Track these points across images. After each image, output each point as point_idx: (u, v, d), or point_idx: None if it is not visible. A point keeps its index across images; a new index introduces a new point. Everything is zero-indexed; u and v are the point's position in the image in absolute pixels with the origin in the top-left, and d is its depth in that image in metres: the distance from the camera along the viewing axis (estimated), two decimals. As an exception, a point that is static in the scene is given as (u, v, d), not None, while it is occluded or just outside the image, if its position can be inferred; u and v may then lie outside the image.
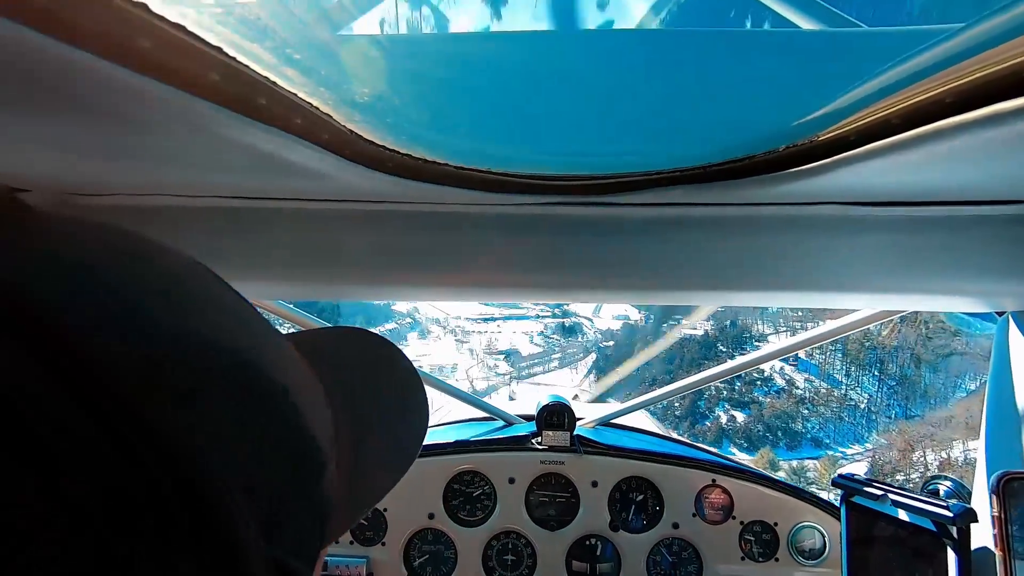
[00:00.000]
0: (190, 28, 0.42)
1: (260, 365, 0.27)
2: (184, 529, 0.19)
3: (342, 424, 0.36)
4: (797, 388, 50.65)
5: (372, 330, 0.52)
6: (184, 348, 0.23)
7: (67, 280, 0.22)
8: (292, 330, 1.01)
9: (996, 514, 0.87)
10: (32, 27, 0.35)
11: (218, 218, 0.93)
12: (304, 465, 0.28)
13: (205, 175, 0.78)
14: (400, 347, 0.51)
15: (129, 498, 0.18)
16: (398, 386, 0.49)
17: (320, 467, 0.30)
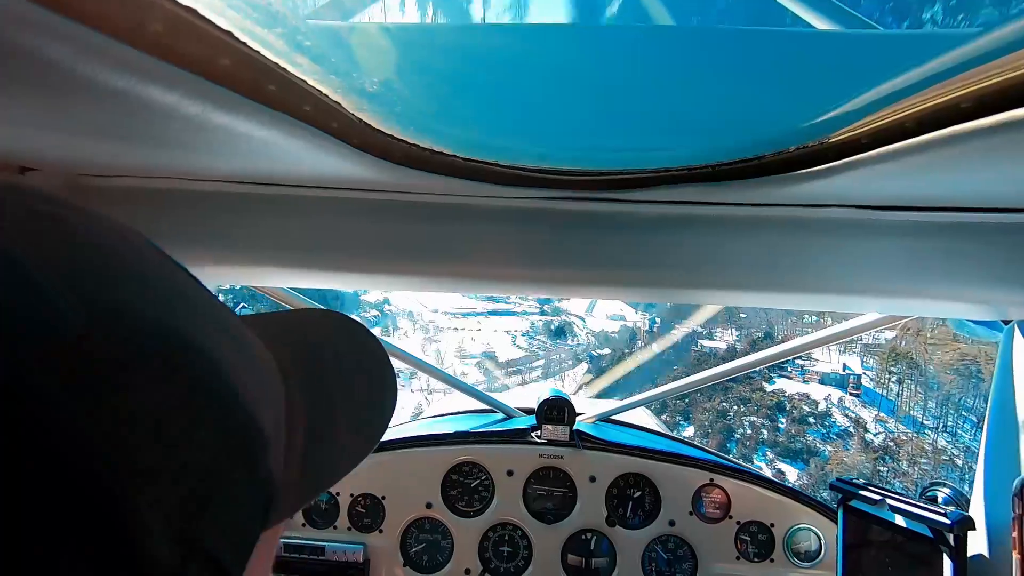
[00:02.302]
0: (201, 12, 0.42)
1: (188, 340, 0.26)
2: (73, 510, 0.18)
3: (298, 403, 0.35)
4: (867, 431, 36.83)
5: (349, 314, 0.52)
6: (93, 318, 0.22)
7: None
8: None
9: (1018, 515, 0.87)
10: (43, 5, 0.35)
11: (225, 202, 0.94)
12: (239, 445, 0.27)
13: (213, 159, 0.79)
14: (372, 331, 0.51)
15: (13, 477, 0.17)
16: (367, 369, 0.48)
17: (258, 447, 0.28)
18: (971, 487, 1.09)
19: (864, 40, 0.89)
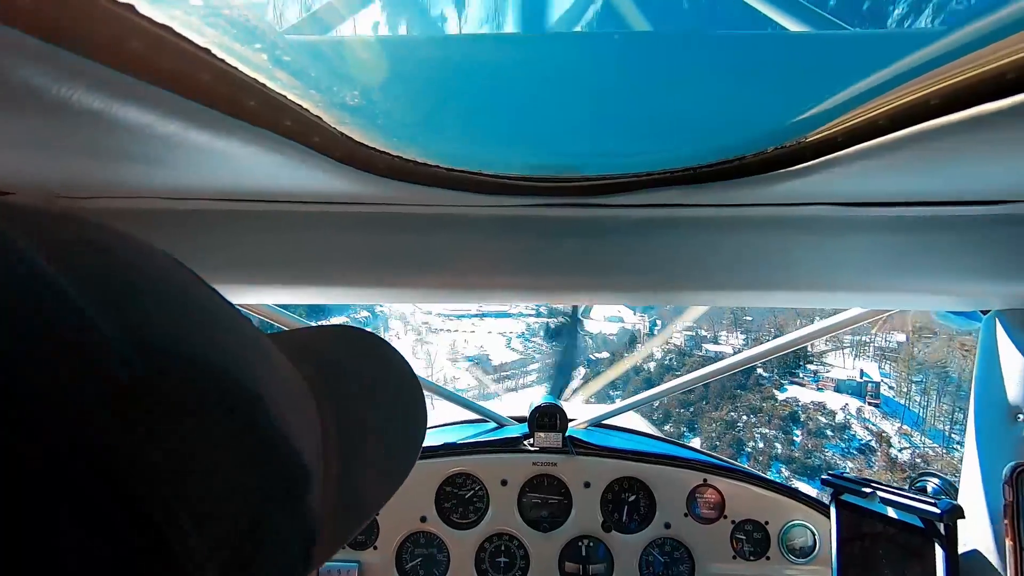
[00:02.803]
0: (178, 29, 0.42)
1: (236, 378, 0.25)
2: (129, 565, 0.18)
3: (332, 431, 0.33)
4: (891, 445, 34.22)
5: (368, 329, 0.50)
6: (134, 353, 0.20)
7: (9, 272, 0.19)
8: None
9: (1009, 501, 0.88)
10: (17, 27, 0.34)
11: (207, 220, 0.93)
12: (283, 483, 0.26)
13: (194, 177, 0.78)
14: (394, 344, 0.49)
15: (71, 521, 0.17)
16: (394, 387, 0.46)
17: (303, 483, 0.27)
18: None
19: (836, 41, 0.91)
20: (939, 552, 0.98)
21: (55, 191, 0.87)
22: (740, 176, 0.76)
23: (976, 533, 1.03)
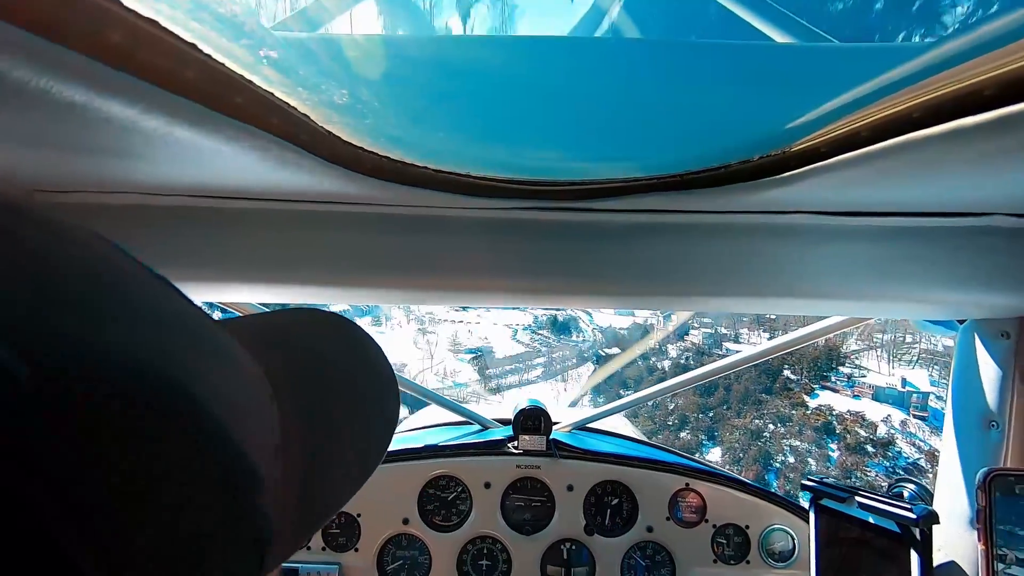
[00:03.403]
0: (163, 23, 0.41)
1: (171, 380, 0.22)
2: None
3: (293, 425, 0.31)
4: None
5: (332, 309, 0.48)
6: (34, 350, 0.18)
7: None
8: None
9: (982, 506, 0.90)
10: None
11: (190, 217, 0.91)
12: (227, 492, 0.23)
13: (177, 173, 0.77)
14: (382, 339, 0.46)
15: None
16: (363, 375, 0.43)
17: (251, 489, 0.25)
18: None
19: (821, 53, 0.93)
20: (914, 557, 1.00)
21: (32, 184, 0.85)
22: (725, 183, 0.77)
23: (951, 538, 1.05)
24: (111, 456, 0.19)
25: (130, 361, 0.21)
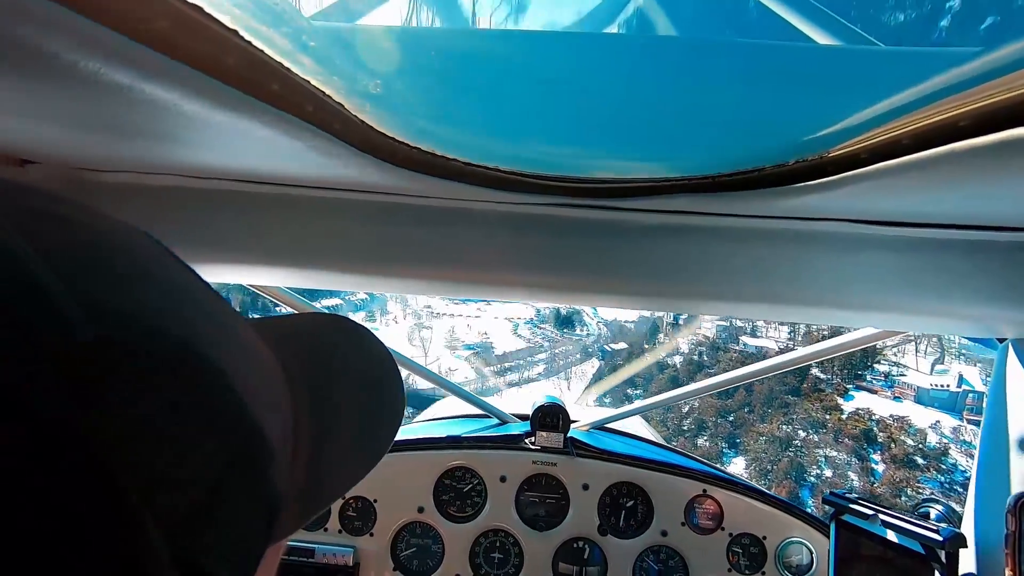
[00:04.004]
0: (207, 10, 0.42)
1: (196, 348, 0.25)
2: (78, 520, 0.18)
3: (304, 412, 0.34)
4: None
5: (351, 316, 0.51)
6: (100, 325, 0.21)
7: None
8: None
9: (1011, 531, 0.87)
10: None
11: (224, 200, 0.94)
12: (242, 455, 0.26)
13: (213, 157, 0.79)
14: (377, 334, 0.50)
15: (19, 484, 0.17)
16: (373, 375, 0.47)
17: (265, 459, 0.27)
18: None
19: (865, 56, 0.90)
20: (938, 579, 0.97)
21: (77, 162, 0.88)
22: (758, 187, 0.75)
23: (978, 563, 1.01)
24: (143, 417, 0.21)
25: (166, 333, 0.24)
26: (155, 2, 0.40)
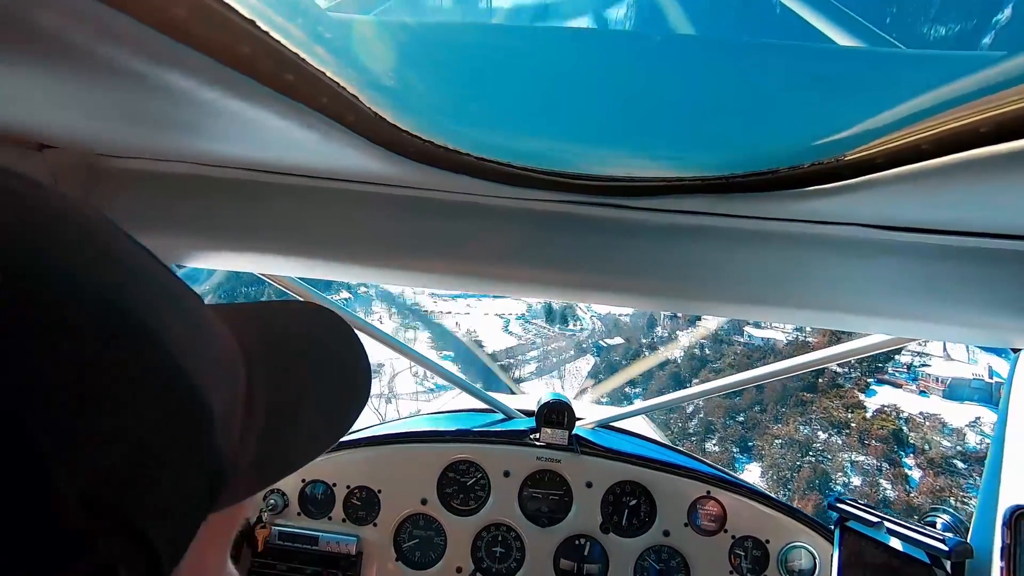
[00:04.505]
0: (224, -1, 0.43)
1: (129, 312, 0.25)
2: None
3: (260, 388, 0.35)
4: None
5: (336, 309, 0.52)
6: (10, 279, 0.22)
7: None
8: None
9: (1007, 544, 0.86)
10: None
11: (237, 189, 0.94)
12: (180, 422, 0.26)
13: (227, 146, 0.79)
14: (353, 327, 0.51)
15: None
16: (340, 360, 0.48)
17: (204, 423, 0.28)
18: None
19: (885, 59, 0.89)
20: (942, 589, 0.96)
21: (94, 148, 0.89)
22: (773, 189, 0.74)
23: (983, 574, 1.00)
24: (78, 372, 0.22)
25: (98, 298, 0.25)
26: None
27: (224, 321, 0.35)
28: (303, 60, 0.54)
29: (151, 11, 0.40)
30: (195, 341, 0.30)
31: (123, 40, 0.42)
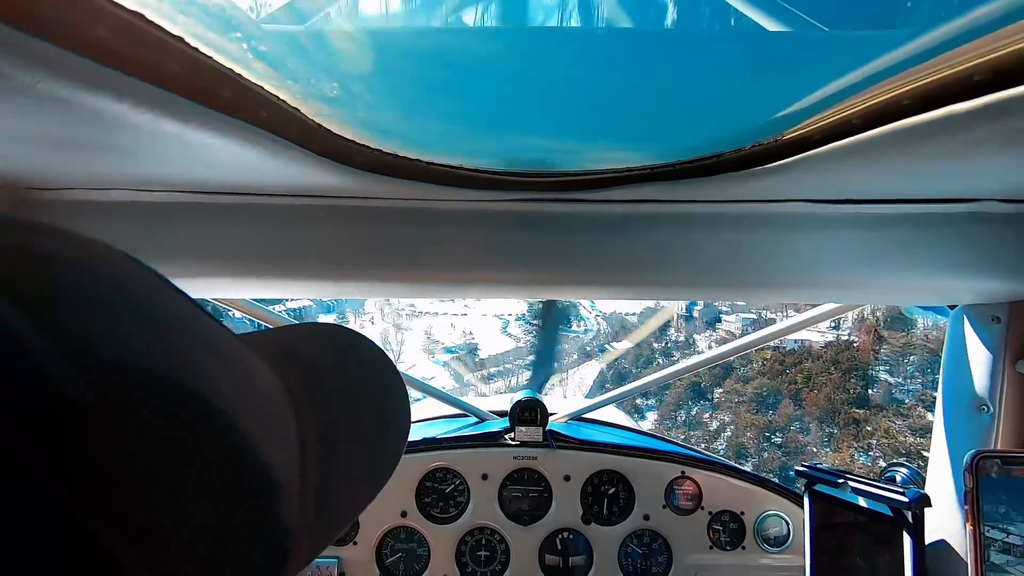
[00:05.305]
0: (149, 16, 0.41)
1: (194, 393, 0.23)
2: None
3: (311, 439, 0.32)
4: None
5: (351, 327, 0.49)
6: (72, 370, 0.19)
7: None
8: (262, 327, 0.99)
9: (969, 488, 0.91)
10: None
11: (180, 213, 0.91)
12: (251, 499, 0.24)
13: (167, 169, 0.76)
14: (379, 345, 0.47)
15: (15, 548, 0.16)
16: (377, 391, 0.44)
17: (273, 497, 0.26)
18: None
19: (812, 40, 0.93)
20: (907, 539, 1.01)
21: (26, 182, 0.84)
22: (718, 173, 0.77)
23: (942, 521, 1.06)
24: (145, 462, 0.20)
25: (162, 377, 0.22)
26: (93, 10, 0.38)
27: (263, 359, 0.32)
28: (238, 75, 0.52)
29: (71, 33, 0.38)
30: (255, 405, 0.27)
31: (44, 65, 0.40)
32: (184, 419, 0.22)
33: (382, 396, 0.45)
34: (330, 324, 0.48)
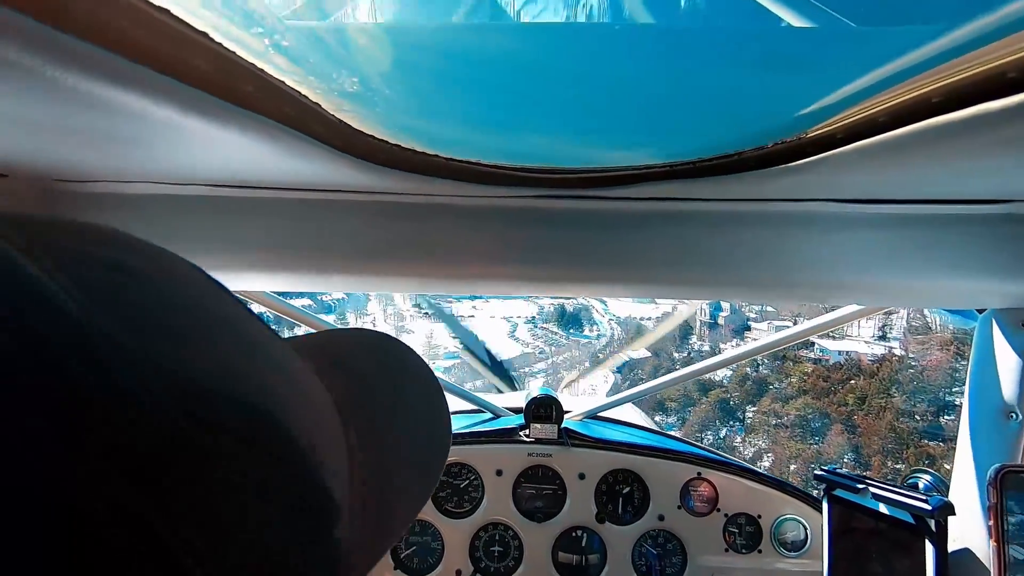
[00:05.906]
0: (175, 12, 0.42)
1: (264, 412, 0.23)
2: None
3: (358, 454, 0.31)
4: None
5: (391, 334, 0.48)
6: (179, 401, 0.19)
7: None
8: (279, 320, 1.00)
9: (993, 503, 0.89)
10: (11, 6, 0.34)
11: (204, 207, 0.92)
12: (312, 525, 0.24)
13: (191, 163, 0.77)
14: (414, 350, 0.47)
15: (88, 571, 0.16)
16: (419, 401, 0.44)
17: (332, 521, 0.26)
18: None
19: (837, 36, 0.91)
20: (929, 548, 0.99)
21: (51, 175, 0.86)
22: (739, 171, 0.76)
23: (966, 530, 1.04)
24: (227, 490, 0.20)
25: (245, 403, 0.22)
26: (120, 7, 0.39)
27: (310, 367, 0.31)
28: (261, 71, 0.53)
29: (99, 30, 0.39)
30: (315, 427, 0.27)
31: (72, 61, 0.41)
32: (260, 444, 0.22)
33: (428, 413, 0.44)
34: (376, 332, 0.47)
